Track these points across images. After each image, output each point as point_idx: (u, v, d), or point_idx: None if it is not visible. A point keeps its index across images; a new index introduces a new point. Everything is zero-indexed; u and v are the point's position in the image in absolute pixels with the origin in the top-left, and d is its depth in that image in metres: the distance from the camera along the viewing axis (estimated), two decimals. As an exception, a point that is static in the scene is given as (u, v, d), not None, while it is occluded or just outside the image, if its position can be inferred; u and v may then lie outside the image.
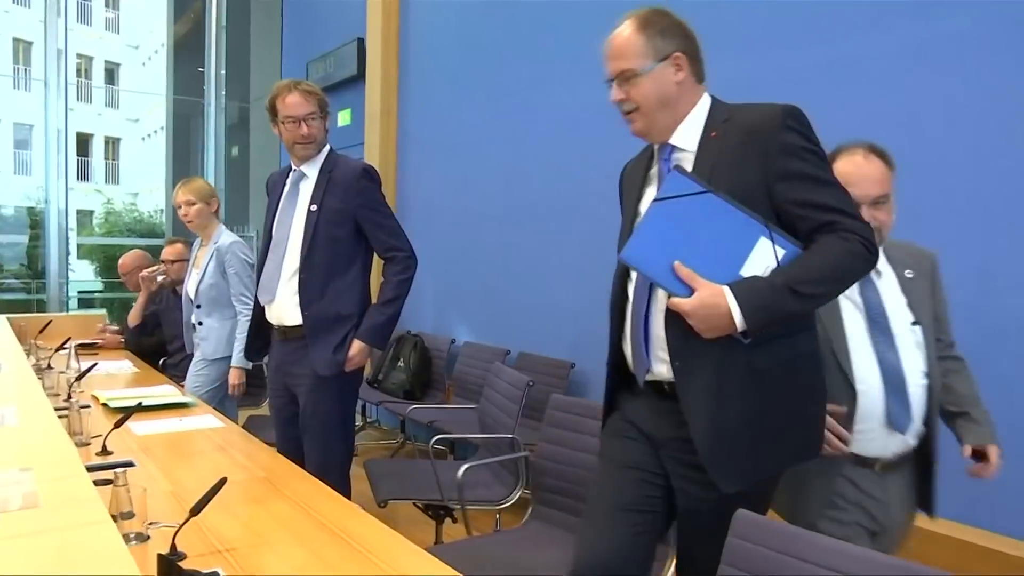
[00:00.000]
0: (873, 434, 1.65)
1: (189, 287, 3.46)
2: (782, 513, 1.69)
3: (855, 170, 1.64)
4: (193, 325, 3.38)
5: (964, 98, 2.23)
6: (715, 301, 1.40)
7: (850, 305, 1.69)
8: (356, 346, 2.47)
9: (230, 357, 3.21)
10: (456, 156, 4.53)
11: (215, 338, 3.28)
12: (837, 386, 1.63)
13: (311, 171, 2.51)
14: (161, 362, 4.09)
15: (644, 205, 1.63)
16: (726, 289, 1.41)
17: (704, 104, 1.60)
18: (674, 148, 1.59)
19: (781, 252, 1.45)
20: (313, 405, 2.46)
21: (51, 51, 6.54)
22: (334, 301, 2.45)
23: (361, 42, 5.39)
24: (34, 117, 6.60)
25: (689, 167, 1.54)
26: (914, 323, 1.69)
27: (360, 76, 5.39)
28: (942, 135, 2.28)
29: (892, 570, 1.14)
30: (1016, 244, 2.17)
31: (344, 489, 2.40)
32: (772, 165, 1.46)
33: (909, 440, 1.69)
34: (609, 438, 1.72)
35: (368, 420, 5.48)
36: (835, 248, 1.42)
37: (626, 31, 1.59)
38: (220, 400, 3.28)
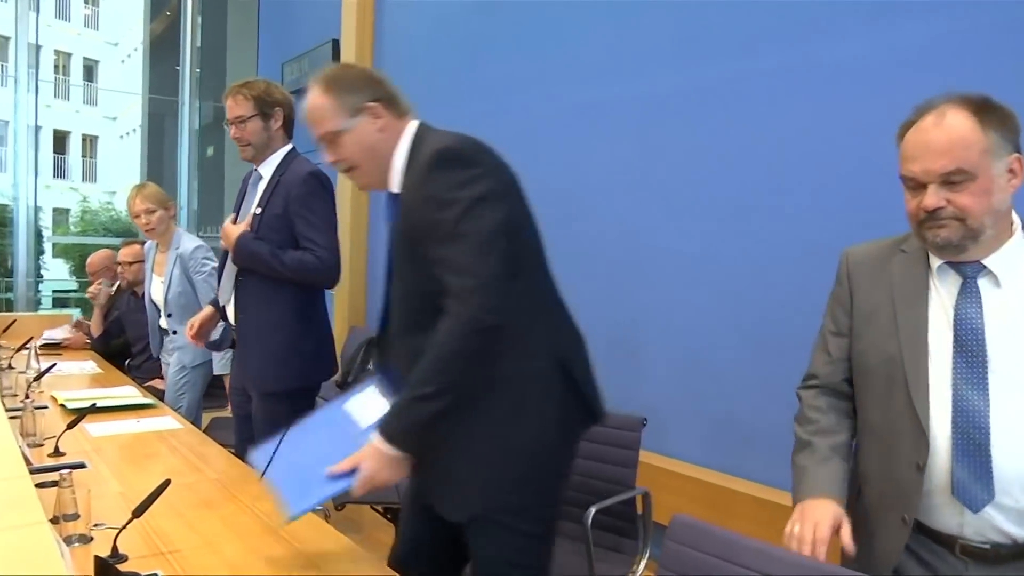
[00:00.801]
0: (940, 504, 1.30)
1: (154, 294, 3.43)
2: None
3: (918, 139, 1.30)
4: (166, 332, 3.37)
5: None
6: (375, 455, 1.44)
7: (943, 318, 1.33)
8: (235, 228, 2.42)
9: (210, 362, 3.20)
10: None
11: (192, 345, 3.25)
12: (903, 427, 1.33)
13: (266, 172, 2.49)
14: (126, 363, 4.06)
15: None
16: (372, 437, 1.45)
17: (406, 142, 1.58)
18: (396, 196, 1.57)
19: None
20: (266, 414, 2.42)
21: (22, 46, 6.46)
22: (268, 307, 2.40)
23: (336, 43, 5.38)
24: (9, 113, 6.51)
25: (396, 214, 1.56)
26: None
27: (335, 77, 5.37)
28: None
29: (820, 573, 1.15)
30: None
31: None
32: (421, 218, 1.45)
33: (1004, 525, 1.25)
34: None
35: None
36: (441, 329, 1.39)
37: (315, 97, 1.59)
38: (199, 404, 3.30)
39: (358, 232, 5.14)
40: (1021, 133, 1.30)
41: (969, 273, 1.32)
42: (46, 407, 2.72)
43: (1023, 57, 2.04)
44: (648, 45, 3.12)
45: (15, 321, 4.47)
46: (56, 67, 21.74)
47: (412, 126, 1.61)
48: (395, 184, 1.58)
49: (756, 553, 1.21)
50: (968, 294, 1.31)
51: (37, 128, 6.87)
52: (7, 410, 2.42)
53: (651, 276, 3.11)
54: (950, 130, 1.26)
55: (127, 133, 20.75)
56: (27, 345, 3.62)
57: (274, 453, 1.54)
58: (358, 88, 1.58)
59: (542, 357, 1.50)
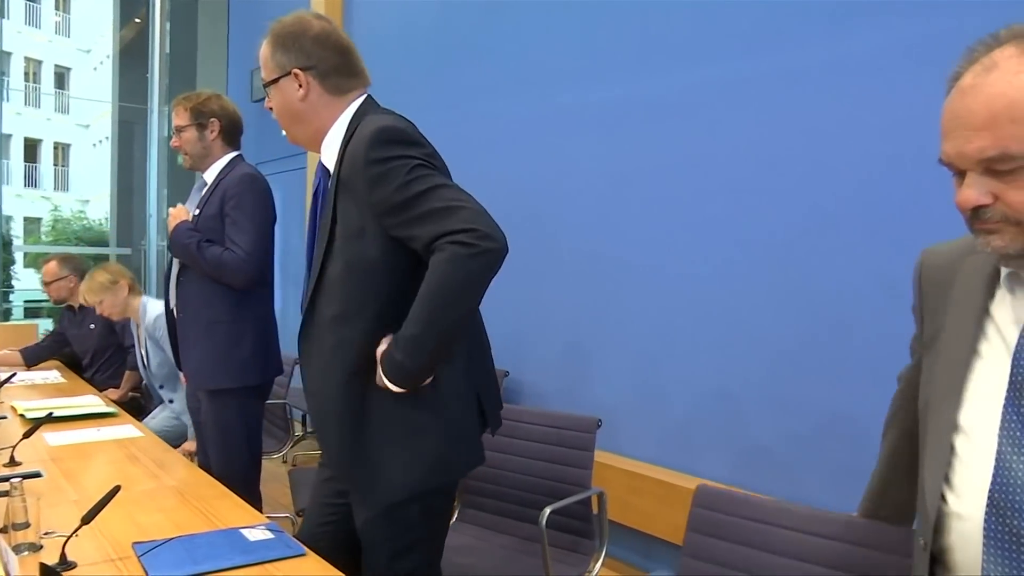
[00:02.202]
0: None
1: (141, 368, 3.53)
2: None
3: (952, 106, 0.91)
4: (164, 398, 3.46)
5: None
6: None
7: (1002, 352, 0.96)
8: (179, 214, 2.47)
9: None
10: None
11: (181, 400, 3.32)
12: (911, 489, 1.06)
13: (209, 178, 2.56)
14: (89, 375, 4.04)
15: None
16: (381, 376, 1.46)
17: (346, 117, 1.60)
18: (326, 169, 1.61)
19: None
20: (213, 414, 2.45)
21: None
22: (206, 306, 2.44)
23: (305, 51, 5.37)
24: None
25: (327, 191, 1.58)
26: None
27: (304, 85, 5.37)
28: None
29: (846, 527, 1.26)
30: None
31: (252, 497, 2.40)
32: (369, 198, 1.46)
33: None
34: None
35: (309, 431, 5.44)
36: (433, 269, 1.38)
37: (263, 43, 1.65)
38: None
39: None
40: None
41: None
42: (5, 417, 2.71)
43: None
44: (614, 52, 3.17)
45: (-22, 331, 4.42)
46: (27, 75, 21.48)
47: (353, 104, 1.62)
48: (328, 159, 1.60)
49: (775, 510, 1.33)
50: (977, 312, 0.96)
51: (5, 136, 6.77)
52: (-35, 421, 2.41)
53: (609, 280, 3.16)
54: (992, 94, 0.84)
55: (99, 141, 20.55)
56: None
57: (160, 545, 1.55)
58: (292, 50, 1.59)
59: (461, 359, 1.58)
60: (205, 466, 2.30)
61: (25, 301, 14.92)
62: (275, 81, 1.61)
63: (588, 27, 3.28)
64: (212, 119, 2.54)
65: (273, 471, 3.65)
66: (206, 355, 2.43)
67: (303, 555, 1.52)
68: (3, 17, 6.81)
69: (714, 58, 2.77)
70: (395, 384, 1.45)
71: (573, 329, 3.33)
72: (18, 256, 17.04)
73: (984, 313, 0.98)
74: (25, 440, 2.15)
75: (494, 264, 1.39)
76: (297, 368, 3.77)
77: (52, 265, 4.00)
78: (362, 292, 1.50)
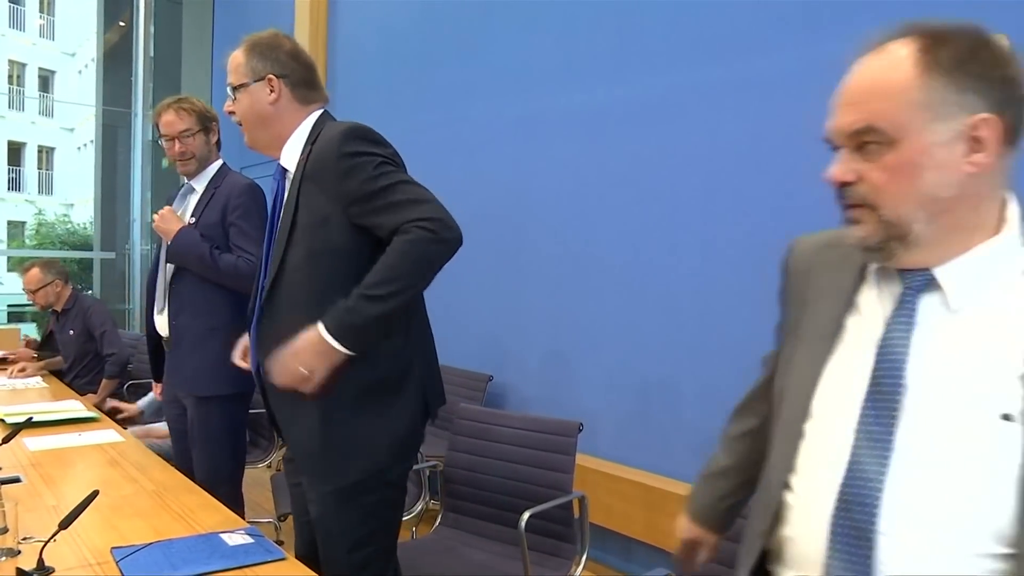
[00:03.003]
0: None
1: None
2: None
3: (842, 85, 0.94)
4: None
5: None
6: (314, 342, 1.52)
7: (861, 344, 0.94)
8: (177, 223, 2.43)
9: None
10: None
11: None
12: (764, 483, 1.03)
13: (199, 185, 2.53)
14: (68, 379, 4.03)
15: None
16: (317, 328, 1.52)
17: (307, 125, 1.73)
18: (285, 170, 1.74)
19: None
20: (200, 418, 2.45)
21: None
22: (203, 313, 2.43)
23: (290, 55, 5.38)
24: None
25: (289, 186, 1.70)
26: (1005, 416, 0.83)
27: (289, 89, 5.38)
28: None
29: None
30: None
31: (235, 503, 2.39)
32: (338, 190, 1.59)
33: None
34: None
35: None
36: (395, 246, 1.51)
37: (237, 51, 1.77)
38: None
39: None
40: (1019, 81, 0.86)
41: (910, 285, 0.91)
42: (-14, 422, 2.69)
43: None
44: (594, 55, 3.19)
45: (-40, 336, 4.39)
46: (11, 77, 21.32)
47: (314, 115, 1.75)
48: (289, 160, 1.71)
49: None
50: (900, 316, 0.91)
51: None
52: (-56, 426, 2.40)
53: (589, 285, 3.18)
54: (871, 71, 0.88)
55: (84, 145, 20.42)
56: (-30, 361, 3.57)
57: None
58: (269, 58, 1.73)
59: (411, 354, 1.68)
60: (185, 471, 2.30)
61: (8, 305, 14.81)
62: (245, 85, 1.73)
63: (568, 30, 3.31)
64: (214, 123, 2.56)
65: (256, 476, 3.64)
66: (203, 362, 2.40)
67: (283, 559, 1.52)
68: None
69: (693, 62, 2.80)
70: (329, 331, 1.51)
71: (555, 333, 3.35)
72: (1, 260, 16.91)
73: (850, 304, 0.97)
74: (4, 445, 2.14)
75: (448, 254, 1.55)
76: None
77: (35, 272, 3.99)
78: (326, 276, 1.60)
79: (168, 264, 2.47)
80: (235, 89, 1.75)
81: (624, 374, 3.02)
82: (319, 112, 1.76)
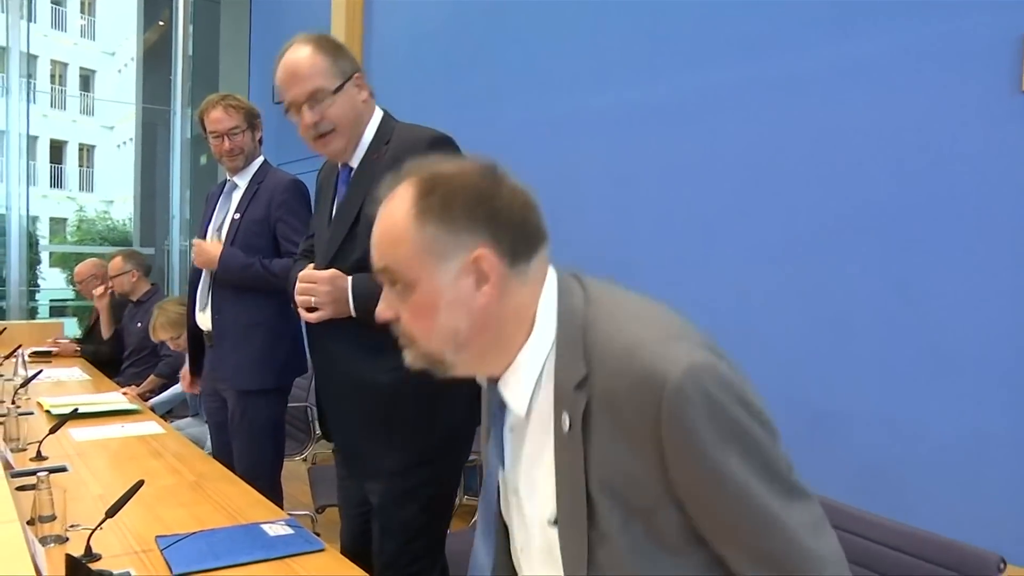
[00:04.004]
0: None
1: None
2: None
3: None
4: None
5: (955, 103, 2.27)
6: (337, 283, 1.57)
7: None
8: (215, 245, 2.45)
9: None
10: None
11: None
12: None
13: (242, 182, 2.56)
14: (123, 367, 4.13)
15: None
16: (348, 279, 1.58)
17: (375, 122, 1.68)
18: (352, 169, 1.67)
19: None
20: (241, 412, 2.48)
21: (14, 55, 6.51)
22: (245, 308, 2.46)
23: (325, 53, 5.43)
24: (3, 123, 6.56)
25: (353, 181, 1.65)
26: (554, 522, 0.93)
27: (324, 87, 5.43)
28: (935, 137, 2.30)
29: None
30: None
31: (274, 495, 2.43)
32: None
33: None
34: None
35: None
36: None
37: (309, 54, 1.61)
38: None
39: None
40: (508, 209, 0.94)
41: (495, 397, 1.00)
42: (32, 413, 2.76)
43: (1001, 64, 2.08)
44: (623, 56, 3.17)
45: (5, 329, 4.50)
46: (53, 77, 21.79)
47: (379, 111, 1.70)
48: (357, 158, 1.65)
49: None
50: (496, 427, 1.01)
51: (31, 137, 6.91)
52: (-7, 416, 2.47)
53: (625, 281, 3.16)
54: (385, 217, 0.93)
55: (124, 143, 20.81)
56: (15, 353, 3.65)
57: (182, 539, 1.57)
58: (348, 56, 1.65)
59: None
60: (224, 463, 2.33)
61: (51, 300, 15.13)
62: (341, 87, 1.61)
63: (599, 31, 3.29)
64: (258, 119, 2.58)
65: (293, 470, 3.68)
66: (246, 356, 2.44)
67: (322, 550, 1.54)
68: (30, 21, 6.94)
69: (726, 61, 2.76)
70: (353, 290, 1.55)
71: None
72: (44, 256, 17.32)
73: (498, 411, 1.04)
74: (51, 435, 2.19)
75: None
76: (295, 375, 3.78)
77: (117, 260, 4.20)
78: None
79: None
80: (333, 93, 1.60)
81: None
82: (381, 110, 1.72)
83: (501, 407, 0.99)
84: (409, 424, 1.62)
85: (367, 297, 1.49)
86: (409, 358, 0.97)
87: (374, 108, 1.69)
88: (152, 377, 3.87)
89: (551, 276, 0.99)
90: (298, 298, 1.61)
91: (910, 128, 2.25)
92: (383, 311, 0.96)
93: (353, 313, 1.57)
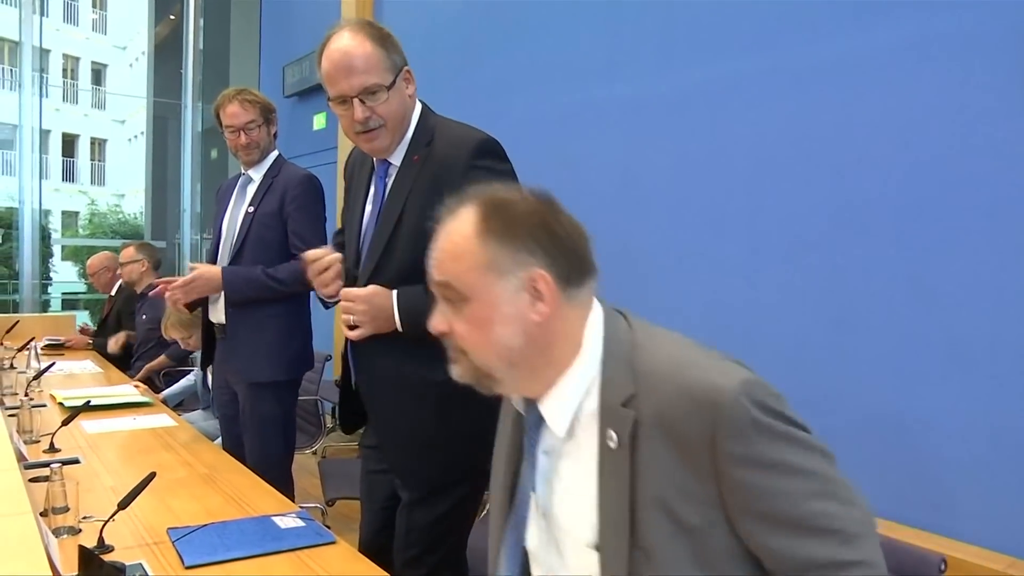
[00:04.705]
0: None
1: (200, 382, 3.60)
2: None
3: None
4: None
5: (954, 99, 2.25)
6: (380, 301, 1.52)
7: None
8: (211, 269, 2.43)
9: None
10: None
11: None
12: None
13: (257, 175, 2.56)
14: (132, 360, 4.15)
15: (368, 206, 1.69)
16: (392, 294, 1.52)
17: (416, 117, 1.62)
18: (390, 165, 1.62)
19: None
20: (252, 404, 2.49)
21: (27, 49, 6.55)
22: (260, 302, 2.46)
23: (336, 47, 5.43)
24: (16, 117, 6.60)
25: (394, 181, 1.60)
26: (594, 547, 0.95)
27: (335, 80, 5.43)
28: (929, 137, 2.28)
29: None
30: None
31: (286, 487, 2.44)
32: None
33: None
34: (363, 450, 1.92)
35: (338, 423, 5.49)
36: None
37: (363, 45, 1.51)
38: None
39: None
40: (567, 239, 1.01)
41: (530, 419, 1.04)
42: (45, 405, 2.77)
43: (1014, 55, 2.06)
44: (636, 47, 3.15)
45: (18, 322, 4.53)
46: (65, 71, 21.88)
47: (419, 105, 1.64)
48: (398, 155, 1.60)
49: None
50: (529, 448, 1.04)
51: (44, 131, 6.96)
52: (6, 408, 2.48)
53: (634, 277, 3.14)
54: (447, 234, 0.99)
55: (135, 136, 20.89)
56: (28, 345, 3.68)
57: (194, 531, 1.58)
58: (398, 47, 1.56)
59: None
60: (234, 455, 2.34)
61: (63, 293, 15.22)
62: (395, 83, 1.53)
63: (611, 21, 3.27)
64: (273, 114, 2.58)
65: (303, 463, 3.69)
66: (258, 349, 2.45)
67: (334, 543, 1.54)
68: (43, 15, 6.98)
69: (740, 51, 2.74)
70: (399, 306, 1.52)
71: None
72: (56, 249, 17.42)
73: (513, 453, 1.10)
74: (64, 427, 2.20)
75: None
76: (328, 363, 3.79)
77: (130, 249, 4.25)
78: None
79: (223, 255, 2.51)
80: (376, 90, 1.52)
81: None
82: (420, 103, 1.65)
83: (536, 428, 1.02)
84: (457, 437, 1.60)
85: (416, 313, 1.46)
86: (458, 371, 1.01)
87: (416, 103, 1.62)
88: (162, 357, 3.89)
89: (597, 306, 1.04)
90: (342, 316, 1.59)
91: (924, 120, 2.23)
92: (438, 323, 1.00)
93: (400, 328, 1.54)
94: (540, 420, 1.01)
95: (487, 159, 1.52)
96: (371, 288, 1.54)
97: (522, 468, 1.04)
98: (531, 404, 1.02)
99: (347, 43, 1.51)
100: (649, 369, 0.94)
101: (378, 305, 1.53)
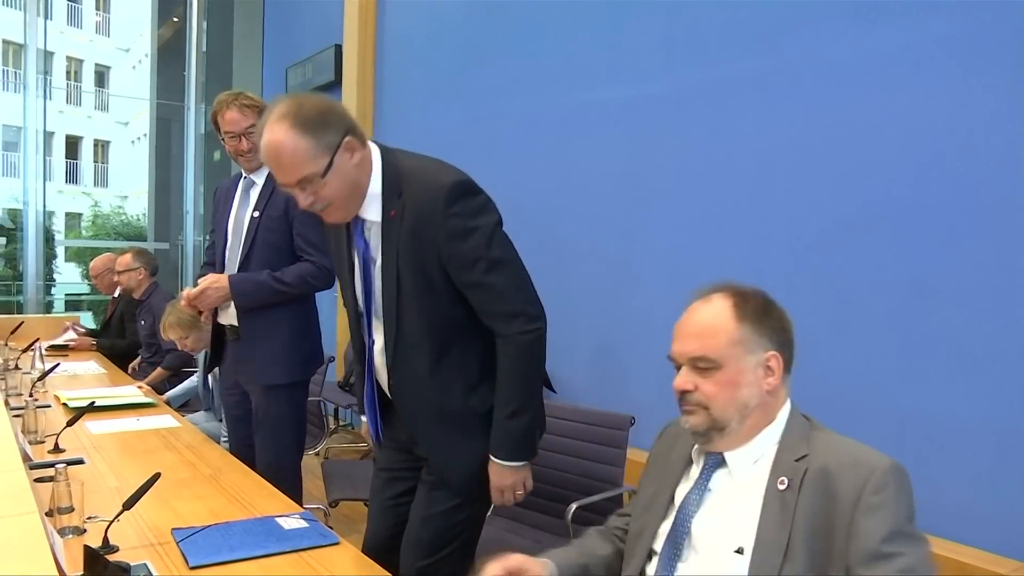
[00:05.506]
0: None
1: (202, 387, 3.59)
2: None
3: (680, 320, 1.31)
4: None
5: (954, 100, 2.25)
6: (502, 472, 1.64)
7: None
8: (219, 279, 2.43)
9: None
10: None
11: None
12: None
13: (259, 179, 2.54)
14: (130, 366, 4.16)
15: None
16: (492, 461, 1.63)
17: (378, 173, 1.58)
18: (364, 221, 1.61)
19: None
20: (266, 405, 2.48)
21: (31, 52, 6.57)
22: (273, 305, 2.45)
23: (339, 48, 5.44)
24: (20, 119, 6.62)
25: (379, 237, 1.60)
26: (738, 550, 1.20)
27: (337, 82, 5.44)
28: (928, 137, 2.29)
29: None
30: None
31: (296, 486, 2.45)
32: (443, 251, 1.54)
33: None
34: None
35: (341, 424, 5.51)
36: (511, 362, 1.59)
37: (287, 138, 1.47)
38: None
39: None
40: (789, 333, 1.26)
41: (709, 463, 1.29)
42: (49, 406, 2.78)
43: (1017, 56, 2.06)
44: (638, 49, 3.16)
45: (22, 323, 4.54)
46: (68, 73, 21.91)
47: (376, 151, 1.60)
48: (371, 211, 1.59)
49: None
50: (700, 483, 1.29)
51: (47, 133, 6.98)
52: (11, 409, 2.49)
53: (637, 277, 3.15)
54: (704, 316, 1.25)
55: (138, 138, 20.92)
56: (32, 346, 3.68)
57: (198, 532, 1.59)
58: (330, 123, 1.49)
59: None
60: (241, 455, 2.34)
61: (66, 294, 15.22)
62: (330, 166, 1.49)
63: (614, 23, 3.27)
64: None
65: (306, 464, 3.67)
66: (273, 352, 2.44)
67: (337, 544, 1.54)
68: (47, 18, 6.99)
69: (742, 53, 2.74)
70: (504, 458, 1.62)
71: (604, 326, 3.33)
72: (59, 250, 17.43)
73: (680, 475, 1.34)
74: (68, 428, 2.21)
75: (545, 339, 1.63)
76: (331, 365, 3.78)
77: (127, 256, 4.26)
78: (448, 342, 1.62)
79: (234, 257, 2.50)
80: (323, 176, 1.49)
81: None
82: (377, 149, 1.60)
83: (712, 469, 1.28)
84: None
85: (519, 446, 1.62)
86: (693, 422, 1.25)
87: (371, 162, 1.57)
88: (159, 370, 3.88)
89: (788, 400, 1.29)
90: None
91: (927, 121, 2.23)
92: (684, 383, 1.25)
93: (526, 463, 1.66)
94: (720, 464, 1.27)
95: (459, 203, 1.51)
96: (500, 480, 1.65)
97: (687, 496, 1.28)
98: (711, 454, 1.28)
99: (273, 137, 1.49)
100: (822, 443, 1.21)
101: (505, 475, 1.64)
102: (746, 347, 1.22)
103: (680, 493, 1.32)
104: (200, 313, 2.53)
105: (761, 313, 1.24)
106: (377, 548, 1.73)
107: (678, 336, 1.28)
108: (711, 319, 1.25)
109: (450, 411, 1.65)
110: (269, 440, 2.49)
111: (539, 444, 1.68)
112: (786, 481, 1.18)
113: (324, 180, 1.49)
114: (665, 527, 1.31)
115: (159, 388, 3.72)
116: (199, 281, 2.43)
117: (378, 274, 1.63)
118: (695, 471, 1.32)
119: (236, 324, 2.48)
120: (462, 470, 1.67)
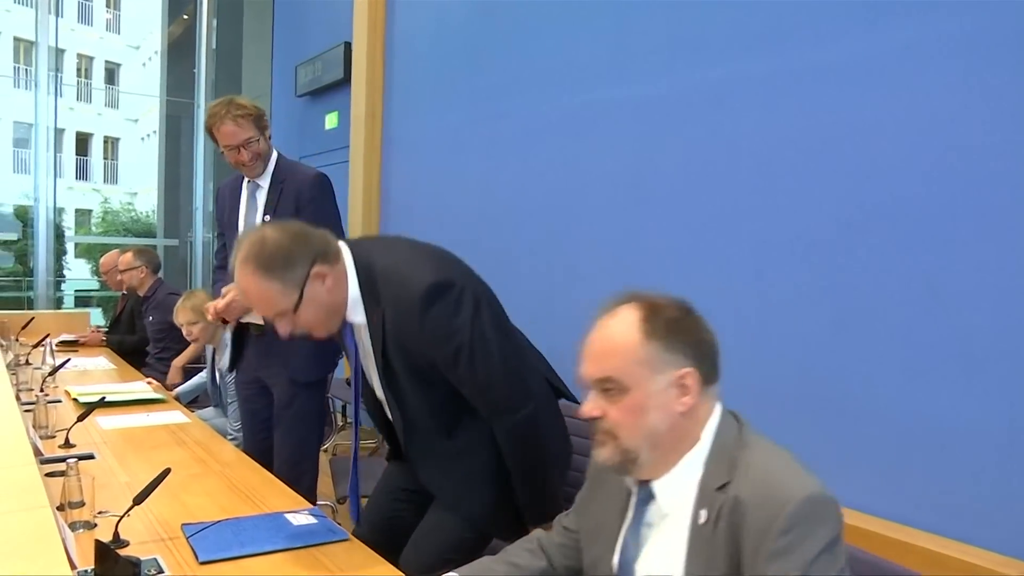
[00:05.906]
0: None
1: (210, 384, 3.56)
2: None
3: (587, 339, 1.20)
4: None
5: (954, 100, 2.24)
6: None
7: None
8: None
9: None
10: (439, 158, 4.58)
11: None
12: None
13: (264, 183, 2.54)
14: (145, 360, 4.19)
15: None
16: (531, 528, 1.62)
17: (352, 273, 1.61)
18: (352, 324, 1.66)
19: None
20: (290, 401, 2.49)
21: (42, 49, 6.61)
22: None
23: (348, 46, 5.44)
24: (31, 116, 6.67)
25: (368, 338, 1.64)
26: None
27: (347, 80, 5.44)
28: (927, 137, 2.27)
29: None
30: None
31: (314, 482, 2.47)
32: (427, 353, 1.58)
33: None
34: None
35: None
36: (503, 445, 1.62)
37: (253, 282, 1.52)
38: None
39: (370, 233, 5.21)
40: (708, 345, 1.16)
41: (641, 496, 1.18)
42: (60, 401, 2.80)
43: (1020, 54, 2.05)
44: (642, 49, 3.14)
45: (33, 319, 4.58)
46: (79, 70, 22.01)
47: (348, 259, 1.61)
48: (356, 314, 1.62)
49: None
50: (635, 521, 1.19)
51: (58, 130, 7.02)
52: (23, 404, 2.51)
53: (643, 278, 3.13)
54: (608, 333, 1.14)
55: (148, 135, 21.00)
56: (43, 342, 3.71)
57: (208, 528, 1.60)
58: (295, 258, 1.51)
59: (537, 383, 1.74)
60: (258, 451, 2.35)
61: (76, 290, 15.31)
62: (300, 301, 1.52)
63: (618, 22, 3.26)
64: (264, 119, 2.54)
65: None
66: (301, 348, 2.42)
67: (346, 540, 1.55)
68: (58, 16, 7.03)
69: (747, 52, 2.73)
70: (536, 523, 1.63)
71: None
72: (69, 247, 17.54)
73: (624, 512, 1.22)
74: (79, 423, 2.23)
75: (535, 420, 1.63)
76: (339, 362, 3.78)
77: (128, 255, 4.31)
78: (458, 413, 1.67)
79: None
80: (295, 311, 1.53)
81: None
82: (344, 246, 1.63)
83: (644, 504, 1.17)
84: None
85: (540, 510, 1.64)
86: (604, 455, 1.14)
87: (343, 273, 1.59)
88: (176, 368, 3.88)
89: (718, 407, 1.18)
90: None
91: (932, 120, 2.21)
92: (591, 409, 1.14)
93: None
94: (650, 497, 1.16)
95: (436, 307, 1.54)
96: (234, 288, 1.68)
97: (626, 539, 1.19)
98: (643, 484, 1.17)
99: (240, 280, 1.54)
100: (744, 462, 1.09)
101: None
102: (653, 367, 1.11)
103: (624, 527, 1.22)
104: (225, 322, 2.52)
105: (673, 327, 1.13)
106: (375, 531, 1.78)
107: (583, 356, 1.16)
108: (615, 336, 1.13)
109: (469, 464, 1.69)
110: (291, 434, 2.50)
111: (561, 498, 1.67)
112: (704, 515, 1.09)
113: (298, 312, 1.53)
114: (616, 562, 1.22)
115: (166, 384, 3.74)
116: (223, 291, 2.37)
117: (374, 370, 1.68)
118: (633, 502, 1.22)
119: (262, 323, 2.48)
120: (481, 512, 1.70)
